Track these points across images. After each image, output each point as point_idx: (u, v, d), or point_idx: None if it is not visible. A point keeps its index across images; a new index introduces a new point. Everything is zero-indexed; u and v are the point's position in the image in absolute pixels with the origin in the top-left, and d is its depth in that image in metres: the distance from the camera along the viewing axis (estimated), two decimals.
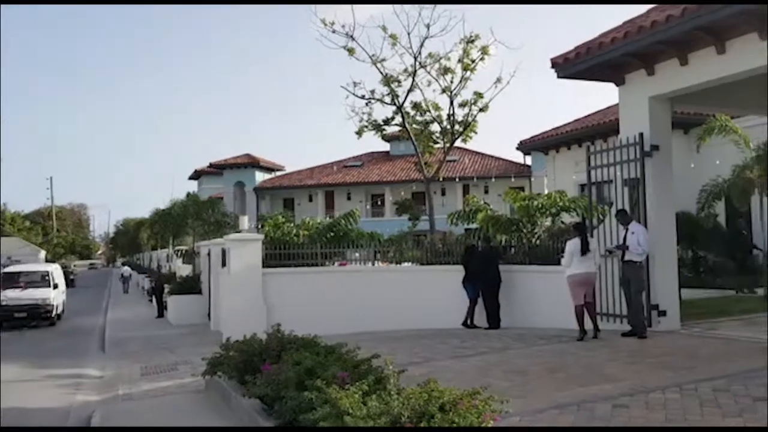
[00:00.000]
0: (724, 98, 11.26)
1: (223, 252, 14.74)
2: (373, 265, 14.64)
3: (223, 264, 14.75)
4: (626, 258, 9.85)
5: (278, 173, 45.62)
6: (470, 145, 28.32)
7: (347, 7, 30.53)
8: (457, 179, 37.33)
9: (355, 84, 19.88)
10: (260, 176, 43.95)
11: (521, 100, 65.53)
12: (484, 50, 18.95)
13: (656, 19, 9.16)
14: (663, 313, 10.07)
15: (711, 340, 9.18)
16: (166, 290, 20.89)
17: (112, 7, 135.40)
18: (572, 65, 10.78)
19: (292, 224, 16.47)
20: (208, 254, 18.17)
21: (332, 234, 15.70)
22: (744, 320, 10.92)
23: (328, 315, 12.40)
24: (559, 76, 11.15)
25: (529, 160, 34.07)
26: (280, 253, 13.92)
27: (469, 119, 20.01)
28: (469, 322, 12.52)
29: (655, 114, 10.33)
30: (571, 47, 10.78)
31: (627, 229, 9.91)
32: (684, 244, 18.52)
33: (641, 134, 10.18)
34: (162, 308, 21.03)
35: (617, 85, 10.88)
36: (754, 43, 8.59)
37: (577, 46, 10.63)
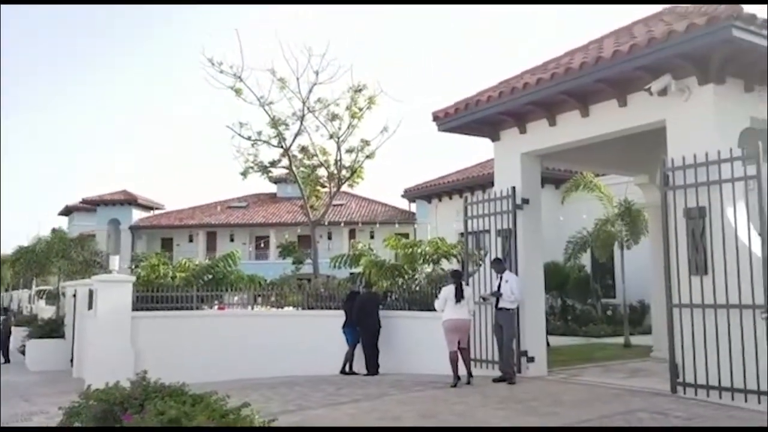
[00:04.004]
0: (589, 157, 12.15)
1: (90, 293, 13.91)
2: (253, 309, 14.31)
3: (90, 306, 13.90)
4: (500, 305, 10.22)
5: (157, 212, 43.95)
6: (357, 191, 28.78)
7: (236, 48, 30.44)
8: (342, 224, 37.55)
9: (241, 124, 19.75)
10: (137, 214, 42.14)
11: (409, 148, 67.79)
12: (370, 100, 19.45)
13: (528, 82, 9.80)
14: (532, 360, 10.50)
15: (574, 386, 9.63)
16: (18, 335, 19.40)
17: None
18: (451, 120, 11.27)
19: (168, 265, 15.86)
20: (74, 295, 17.08)
21: (210, 276, 15.26)
22: (605, 367, 11.61)
23: (203, 361, 11.96)
24: (439, 130, 11.61)
25: (414, 207, 34.96)
26: (152, 295, 13.36)
27: (356, 165, 20.35)
28: (347, 368, 12.46)
29: (527, 170, 10.95)
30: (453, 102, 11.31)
31: (501, 278, 10.31)
32: (554, 293, 19.62)
33: (513, 188, 10.74)
34: (7, 354, 19.47)
35: (493, 141, 11.45)
36: (613, 109, 9.38)
37: (456, 102, 11.15)
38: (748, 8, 7.45)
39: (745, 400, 7.41)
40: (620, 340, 15.57)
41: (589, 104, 9.71)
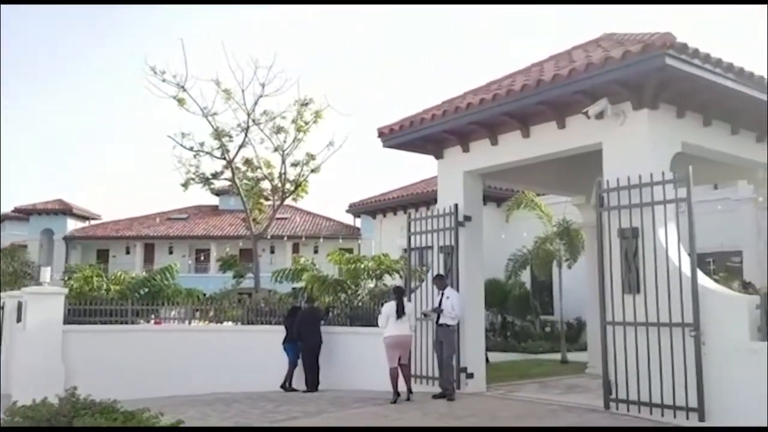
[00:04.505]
0: (530, 177, 12.42)
1: (19, 305, 13.34)
2: (190, 323, 13.99)
3: (19, 319, 13.32)
4: (441, 321, 10.29)
5: (93, 222, 42.60)
6: (302, 205, 28.58)
7: (179, 57, 29.68)
8: (285, 238, 37.21)
9: (183, 134, 19.36)
10: (72, 224, 40.76)
11: (355, 163, 67.67)
12: (317, 114, 19.39)
13: (471, 102, 9.98)
14: (471, 376, 10.60)
15: (511, 402, 9.76)
16: None
17: None
18: (396, 137, 11.36)
19: (102, 278, 15.37)
20: (2, 308, 16.34)
21: (147, 290, 14.85)
22: (542, 383, 11.81)
23: (137, 377, 11.58)
24: (384, 146, 11.69)
25: (358, 223, 34.94)
26: (86, 308, 12.93)
27: (301, 179, 20.21)
28: (287, 384, 12.30)
29: (469, 187, 11.11)
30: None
31: (442, 294, 10.39)
32: (494, 309, 19.89)
33: (456, 205, 10.87)
34: None
35: (437, 159, 11.59)
36: (553, 131, 9.63)
37: (401, 119, 11.24)
38: (749, 8, 7.75)
39: (674, 416, 7.65)
40: (558, 356, 15.88)
41: (529, 125, 9.95)
